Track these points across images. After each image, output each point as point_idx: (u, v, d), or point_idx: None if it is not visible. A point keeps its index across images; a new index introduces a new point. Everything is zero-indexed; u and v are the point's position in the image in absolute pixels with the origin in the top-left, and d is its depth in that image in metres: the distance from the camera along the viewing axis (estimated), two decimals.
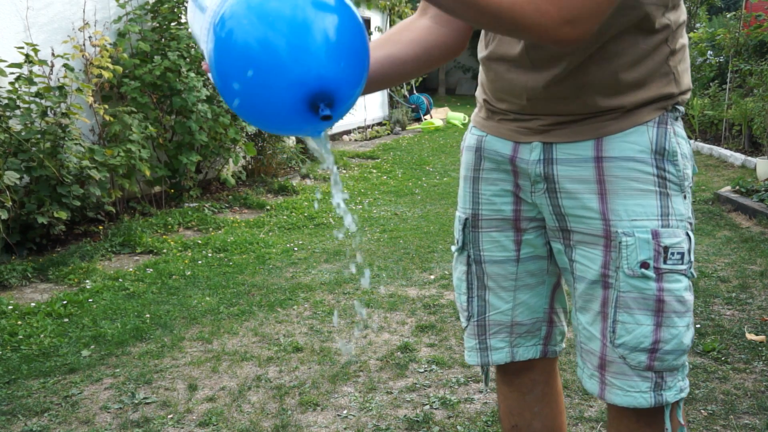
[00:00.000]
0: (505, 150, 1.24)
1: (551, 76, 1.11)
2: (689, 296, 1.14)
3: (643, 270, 1.11)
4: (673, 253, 1.11)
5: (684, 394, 1.18)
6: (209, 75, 0.90)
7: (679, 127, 1.15)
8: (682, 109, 1.15)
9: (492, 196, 1.28)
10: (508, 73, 1.18)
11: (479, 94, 1.32)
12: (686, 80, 1.16)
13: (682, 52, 1.14)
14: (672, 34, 1.11)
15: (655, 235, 1.11)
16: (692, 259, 1.14)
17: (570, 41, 0.91)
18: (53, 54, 4.36)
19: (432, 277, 3.74)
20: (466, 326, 1.37)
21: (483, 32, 1.24)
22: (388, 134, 11.11)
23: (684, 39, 1.15)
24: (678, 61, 1.14)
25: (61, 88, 4.16)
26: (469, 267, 1.33)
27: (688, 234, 1.14)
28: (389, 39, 1.23)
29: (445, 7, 0.91)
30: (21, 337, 2.96)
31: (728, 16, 8.69)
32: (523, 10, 0.88)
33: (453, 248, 1.37)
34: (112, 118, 4.54)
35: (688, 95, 1.17)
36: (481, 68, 1.29)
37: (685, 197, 1.15)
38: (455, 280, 1.38)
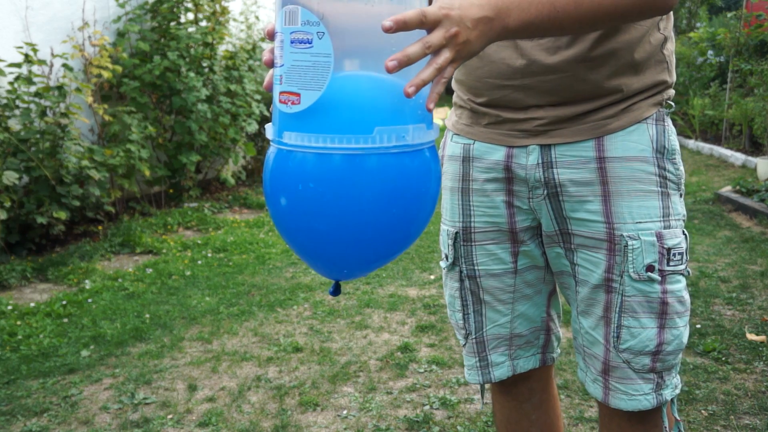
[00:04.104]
0: (497, 156, 1.19)
1: (556, 47, 1.08)
2: (687, 295, 1.14)
3: (649, 273, 1.10)
4: (674, 254, 1.10)
5: (678, 390, 1.18)
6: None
7: (671, 124, 1.16)
8: (673, 104, 1.16)
9: (485, 207, 1.23)
10: (501, 51, 1.12)
11: (457, 98, 1.27)
12: (675, 74, 1.17)
13: (672, 44, 1.16)
14: (663, 20, 1.11)
15: (659, 237, 1.10)
16: (688, 257, 1.15)
17: (675, 3, 0.98)
18: (52, 54, 4.35)
19: (432, 277, 3.74)
20: (465, 344, 1.33)
21: None
22: None
23: (672, 33, 1.15)
24: (670, 51, 1.15)
25: (60, 87, 4.15)
26: (462, 283, 1.29)
27: (684, 232, 1.14)
28: None
29: (570, 31, 0.97)
30: (20, 337, 2.96)
31: (729, 15, 8.67)
32: None
33: (442, 264, 1.32)
34: (111, 118, 4.54)
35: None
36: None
37: (680, 195, 1.15)
38: (448, 297, 1.33)
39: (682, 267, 1.12)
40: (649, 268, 1.10)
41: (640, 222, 1.10)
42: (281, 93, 0.83)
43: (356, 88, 0.83)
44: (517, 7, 0.87)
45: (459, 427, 2.21)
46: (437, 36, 0.80)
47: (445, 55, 0.81)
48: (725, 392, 2.36)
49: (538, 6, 0.88)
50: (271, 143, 0.89)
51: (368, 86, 0.84)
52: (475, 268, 1.27)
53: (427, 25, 0.80)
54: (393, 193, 0.84)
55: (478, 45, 0.85)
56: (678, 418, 1.21)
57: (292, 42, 0.81)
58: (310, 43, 0.80)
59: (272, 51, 0.86)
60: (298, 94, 0.81)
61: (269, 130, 0.89)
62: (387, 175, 0.83)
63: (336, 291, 0.97)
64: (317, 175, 0.82)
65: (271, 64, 0.87)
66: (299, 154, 0.83)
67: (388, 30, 0.77)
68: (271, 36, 0.86)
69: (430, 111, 0.85)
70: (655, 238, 1.09)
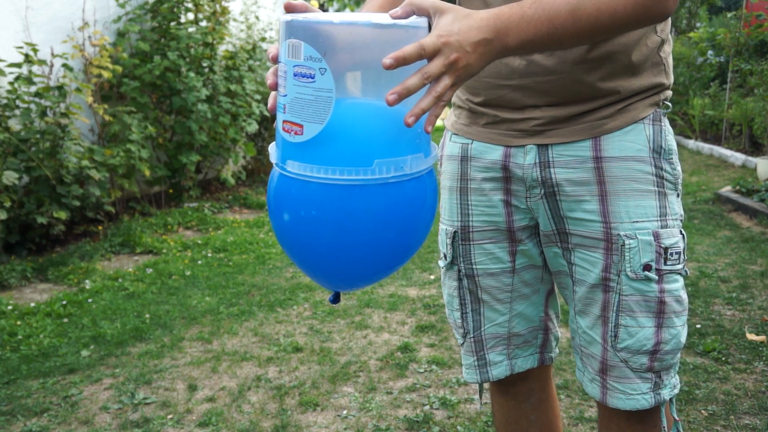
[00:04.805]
0: (494, 155, 1.19)
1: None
2: (685, 295, 1.15)
3: (646, 272, 1.10)
4: (671, 254, 1.11)
5: (677, 390, 1.19)
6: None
7: (668, 124, 1.16)
8: (670, 105, 1.16)
9: (483, 206, 1.23)
10: None
11: (456, 97, 1.27)
12: (672, 76, 1.17)
13: (670, 47, 1.16)
14: (660, 23, 1.11)
15: (656, 236, 1.10)
16: (686, 257, 1.15)
17: (672, 11, 0.97)
18: (52, 54, 4.35)
19: (432, 277, 3.74)
20: (463, 343, 1.34)
21: None
22: None
23: (670, 36, 1.16)
24: (667, 53, 1.15)
25: (60, 87, 4.15)
26: (460, 282, 1.29)
27: (681, 232, 1.14)
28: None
29: (569, 46, 0.96)
30: (20, 337, 2.96)
31: (729, 15, 8.67)
32: (639, 3, 0.92)
33: (441, 263, 1.32)
34: (111, 118, 4.54)
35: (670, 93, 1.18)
36: None
37: (678, 195, 1.15)
38: (446, 297, 1.33)
39: (680, 266, 1.12)
40: (646, 267, 1.10)
41: (637, 221, 1.10)
42: (284, 122, 0.85)
43: (356, 120, 0.85)
44: (516, 26, 0.87)
45: (459, 427, 2.21)
46: (436, 65, 0.81)
47: (445, 81, 0.82)
48: (725, 392, 2.36)
49: (536, 24, 0.88)
50: (275, 166, 0.91)
51: (368, 117, 0.86)
52: (474, 267, 1.27)
53: (427, 56, 0.81)
54: (392, 217, 0.88)
55: (477, 67, 0.86)
56: (677, 418, 1.22)
57: (295, 75, 0.83)
58: (312, 78, 0.81)
59: (276, 74, 0.87)
60: (301, 126, 0.84)
61: (272, 152, 0.91)
62: (386, 203, 0.87)
63: (336, 299, 0.99)
64: (318, 203, 0.86)
65: (275, 88, 0.88)
66: (301, 181, 0.86)
67: (388, 67, 0.78)
68: (274, 60, 0.87)
69: (428, 133, 0.86)
70: (652, 238, 1.10)
